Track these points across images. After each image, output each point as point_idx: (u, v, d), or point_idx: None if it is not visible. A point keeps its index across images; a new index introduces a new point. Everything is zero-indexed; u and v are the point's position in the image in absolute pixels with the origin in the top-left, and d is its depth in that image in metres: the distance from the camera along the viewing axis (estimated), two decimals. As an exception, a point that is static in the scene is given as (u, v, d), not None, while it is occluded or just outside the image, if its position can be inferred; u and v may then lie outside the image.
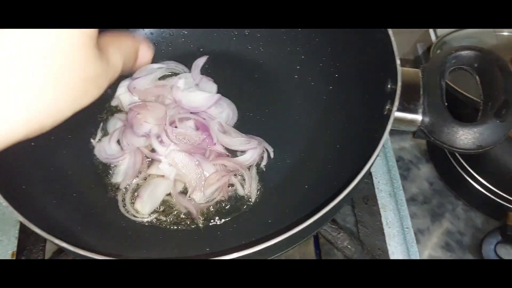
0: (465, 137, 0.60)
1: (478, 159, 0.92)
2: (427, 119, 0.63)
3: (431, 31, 1.14)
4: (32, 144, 0.74)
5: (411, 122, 0.64)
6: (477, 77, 0.66)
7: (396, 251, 0.81)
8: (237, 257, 0.53)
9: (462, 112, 0.80)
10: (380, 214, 0.84)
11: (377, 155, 0.59)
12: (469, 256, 0.90)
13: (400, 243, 0.82)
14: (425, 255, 0.88)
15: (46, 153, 0.75)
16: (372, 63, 0.74)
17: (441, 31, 1.12)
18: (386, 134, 0.60)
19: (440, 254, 0.91)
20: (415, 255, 0.84)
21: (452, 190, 0.98)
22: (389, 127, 0.60)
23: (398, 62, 0.65)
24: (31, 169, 0.70)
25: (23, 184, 0.66)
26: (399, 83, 0.63)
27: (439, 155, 1.01)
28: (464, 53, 0.66)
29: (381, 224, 0.83)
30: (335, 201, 0.56)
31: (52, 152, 0.76)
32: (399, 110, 0.63)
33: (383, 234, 0.82)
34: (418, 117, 0.64)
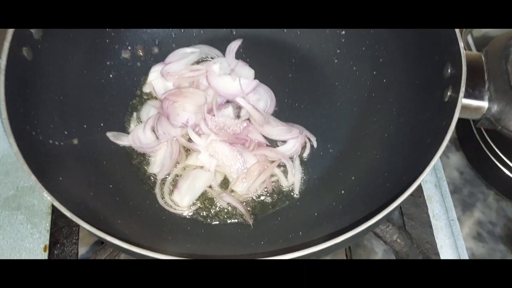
0: (538, 126, 0.56)
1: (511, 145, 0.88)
2: (494, 107, 0.59)
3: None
4: (65, 132, 0.70)
5: (476, 109, 0.60)
6: (545, 62, 0.61)
7: (444, 244, 0.78)
8: (293, 258, 0.49)
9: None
10: (426, 206, 0.80)
11: (444, 147, 0.54)
12: (501, 247, 0.87)
13: (448, 236, 0.79)
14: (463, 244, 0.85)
15: (79, 142, 0.71)
16: (424, 45, 0.70)
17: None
18: (453, 124, 0.56)
19: (471, 245, 0.87)
20: (462, 249, 0.81)
21: (483, 179, 0.94)
22: (456, 116, 0.56)
23: (461, 44, 0.60)
24: (66, 159, 0.67)
25: (60, 176, 0.62)
26: (464, 68, 0.59)
27: (470, 143, 0.96)
28: (531, 35, 0.61)
29: (428, 216, 0.79)
30: (402, 197, 0.52)
31: (85, 140, 0.72)
32: (464, 96, 0.58)
33: (431, 226, 0.78)
34: (484, 104, 0.60)
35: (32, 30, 0.65)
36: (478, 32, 1.02)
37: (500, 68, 0.61)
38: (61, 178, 0.62)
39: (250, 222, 0.71)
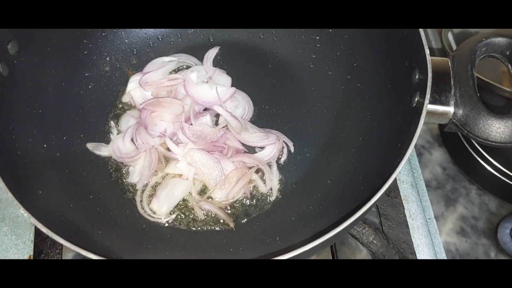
0: (502, 130, 0.58)
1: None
2: (460, 111, 0.61)
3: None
4: (45, 145, 0.71)
5: (443, 114, 0.62)
6: (510, 65, 0.63)
7: (421, 243, 0.80)
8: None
9: (490, 101, 0.78)
10: (403, 206, 0.82)
11: (411, 150, 0.56)
12: (484, 241, 0.89)
13: (424, 235, 0.81)
14: (441, 242, 0.87)
15: (59, 154, 0.72)
16: (395, 51, 0.71)
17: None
18: (419, 129, 0.57)
19: (455, 240, 0.89)
20: (439, 247, 0.83)
21: (465, 174, 0.96)
22: (422, 121, 0.58)
23: (427, 51, 0.62)
24: (45, 172, 0.68)
25: (39, 189, 0.63)
26: (430, 74, 0.60)
27: (452, 140, 0.99)
28: (496, 40, 0.63)
29: (405, 216, 0.81)
30: (373, 199, 0.54)
31: (65, 153, 0.73)
32: (430, 102, 0.60)
33: (407, 226, 0.80)
34: (450, 109, 0.61)
35: (8, 46, 0.66)
36: (458, 29, 1.04)
37: (466, 73, 0.62)
38: (40, 192, 0.63)
39: (232, 225, 0.72)
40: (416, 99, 0.63)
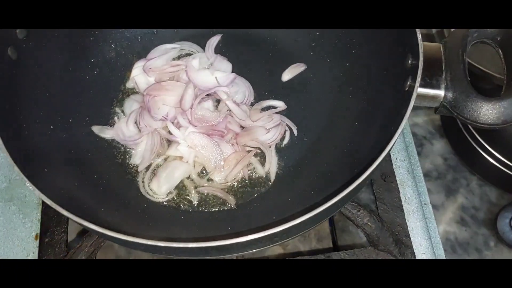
0: (490, 112, 0.59)
1: (492, 133, 0.91)
2: (450, 94, 0.62)
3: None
4: (51, 127, 0.74)
5: (434, 97, 0.64)
6: (500, 51, 0.65)
7: (415, 226, 0.82)
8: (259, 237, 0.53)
9: (484, 87, 0.79)
10: (398, 190, 0.84)
11: (399, 134, 0.58)
12: (484, 231, 0.90)
13: (419, 219, 0.83)
14: (440, 231, 0.88)
15: (65, 136, 0.75)
16: (390, 38, 0.73)
17: None
18: (408, 111, 0.59)
19: (455, 229, 0.91)
20: (434, 231, 0.84)
21: (466, 165, 0.97)
22: (411, 103, 0.60)
23: (419, 37, 0.64)
24: (51, 152, 0.71)
25: (45, 167, 0.66)
26: (421, 59, 0.62)
27: (453, 130, 1.00)
28: (487, 26, 0.64)
29: (400, 200, 0.83)
30: (358, 180, 0.56)
31: (71, 134, 0.76)
32: (421, 86, 0.62)
33: (402, 210, 0.82)
34: (441, 93, 0.63)
35: (17, 30, 0.69)
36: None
37: (457, 58, 0.64)
38: (46, 170, 0.66)
39: (233, 203, 0.75)
40: (408, 83, 0.65)
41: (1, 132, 0.59)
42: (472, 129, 0.93)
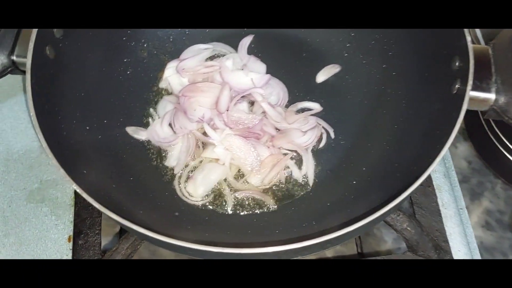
0: (544, 116, 0.58)
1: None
2: (501, 99, 0.61)
3: None
4: (87, 127, 0.73)
5: (484, 101, 0.62)
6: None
7: (453, 232, 0.80)
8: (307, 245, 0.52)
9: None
10: (435, 195, 0.82)
11: (454, 137, 0.57)
12: (510, 235, 0.89)
13: (457, 224, 0.81)
14: (472, 232, 0.87)
15: (100, 137, 0.75)
16: (433, 40, 0.71)
17: None
18: (461, 115, 0.58)
19: (480, 234, 0.89)
20: (471, 236, 0.83)
21: (491, 168, 0.95)
22: (464, 107, 0.58)
23: (469, 39, 0.62)
24: (89, 153, 0.70)
25: (84, 169, 0.65)
26: (472, 61, 0.61)
27: (477, 133, 0.98)
28: (538, 28, 0.63)
29: (437, 205, 0.81)
30: (412, 187, 0.55)
31: (106, 135, 0.75)
32: (471, 89, 0.60)
33: (440, 215, 0.80)
34: (492, 96, 0.62)
35: (54, 30, 0.68)
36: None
37: (507, 60, 0.62)
38: (85, 172, 0.65)
39: (272, 205, 0.74)
40: (456, 86, 0.63)
41: (44, 134, 0.57)
42: (497, 131, 0.91)
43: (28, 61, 0.62)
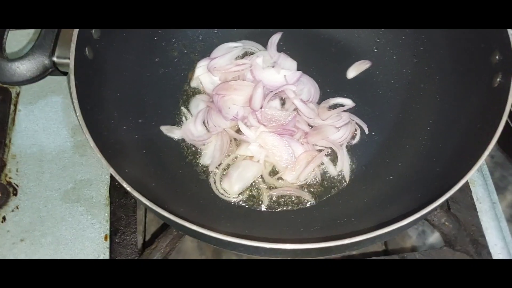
0: None
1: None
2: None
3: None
4: (124, 127, 0.74)
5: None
6: None
7: (489, 226, 0.80)
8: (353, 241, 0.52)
9: None
10: (470, 189, 0.82)
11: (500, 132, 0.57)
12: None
13: (492, 218, 0.81)
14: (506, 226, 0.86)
15: (137, 136, 0.75)
16: (469, 34, 0.71)
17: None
18: (507, 109, 0.58)
19: (506, 226, 0.88)
20: (506, 230, 0.82)
21: (514, 161, 0.94)
22: (510, 100, 0.58)
23: (510, 31, 0.62)
24: (129, 152, 0.71)
25: (126, 168, 0.65)
26: (514, 54, 0.60)
27: None
28: None
29: (472, 199, 0.81)
30: (458, 185, 0.55)
31: (142, 134, 0.76)
32: (513, 82, 0.60)
33: (475, 209, 0.80)
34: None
35: (92, 30, 0.69)
36: None
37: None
38: (127, 171, 0.65)
39: (311, 200, 0.74)
40: (498, 80, 0.63)
41: (91, 134, 0.58)
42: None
43: (71, 62, 0.62)
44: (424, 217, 0.56)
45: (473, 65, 0.70)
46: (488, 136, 0.57)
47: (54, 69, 0.67)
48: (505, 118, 0.56)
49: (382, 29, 0.87)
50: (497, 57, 0.64)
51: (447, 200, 0.80)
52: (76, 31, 0.65)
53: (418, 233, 0.83)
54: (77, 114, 0.58)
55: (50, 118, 0.89)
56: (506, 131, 0.92)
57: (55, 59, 0.67)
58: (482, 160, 0.55)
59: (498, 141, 0.94)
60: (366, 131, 0.80)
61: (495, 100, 0.61)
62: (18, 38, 0.93)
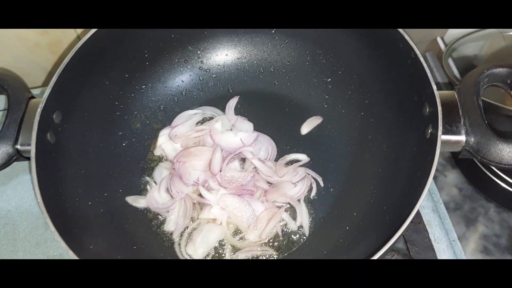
0: (512, 153, 0.62)
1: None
2: (471, 139, 0.66)
3: (439, 39, 1.17)
4: (89, 203, 0.77)
5: (456, 143, 0.67)
6: None
7: (448, 265, 0.83)
8: None
9: (496, 122, 0.83)
10: (427, 231, 0.85)
11: (432, 178, 0.61)
12: (509, 257, 0.91)
13: (451, 256, 0.84)
14: (467, 262, 0.89)
15: (102, 210, 0.78)
16: (403, 88, 0.77)
17: (448, 38, 1.15)
18: (436, 159, 0.62)
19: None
20: (467, 267, 0.85)
21: (482, 193, 0.99)
22: (438, 151, 0.63)
23: (434, 87, 0.68)
24: (93, 228, 0.73)
25: (91, 245, 0.68)
26: (440, 108, 0.66)
27: (465, 160, 1.01)
28: (496, 70, 0.69)
29: (430, 240, 0.84)
30: (400, 230, 0.59)
31: (108, 207, 0.79)
32: (442, 133, 0.65)
33: (433, 250, 0.83)
34: (462, 138, 0.66)
35: (53, 115, 0.73)
36: (457, 54, 1.10)
37: (472, 103, 0.68)
38: (91, 247, 0.68)
39: (275, 254, 0.77)
40: (429, 131, 0.68)
41: (51, 218, 0.61)
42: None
43: (33, 149, 0.66)
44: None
45: (410, 117, 0.76)
46: (422, 185, 0.61)
47: (18, 156, 0.71)
48: (434, 168, 0.61)
49: (330, 86, 0.93)
50: (427, 110, 0.70)
51: (406, 244, 0.84)
52: (37, 117, 0.69)
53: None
54: (38, 200, 0.62)
55: (22, 197, 0.92)
56: (470, 165, 0.97)
57: (18, 146, 0.70)
58: (416, 209, 0.59)
59: (465, 175, 1.00)
60: (322, 184, 0.84)
61: (428, 150, 0.66)
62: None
